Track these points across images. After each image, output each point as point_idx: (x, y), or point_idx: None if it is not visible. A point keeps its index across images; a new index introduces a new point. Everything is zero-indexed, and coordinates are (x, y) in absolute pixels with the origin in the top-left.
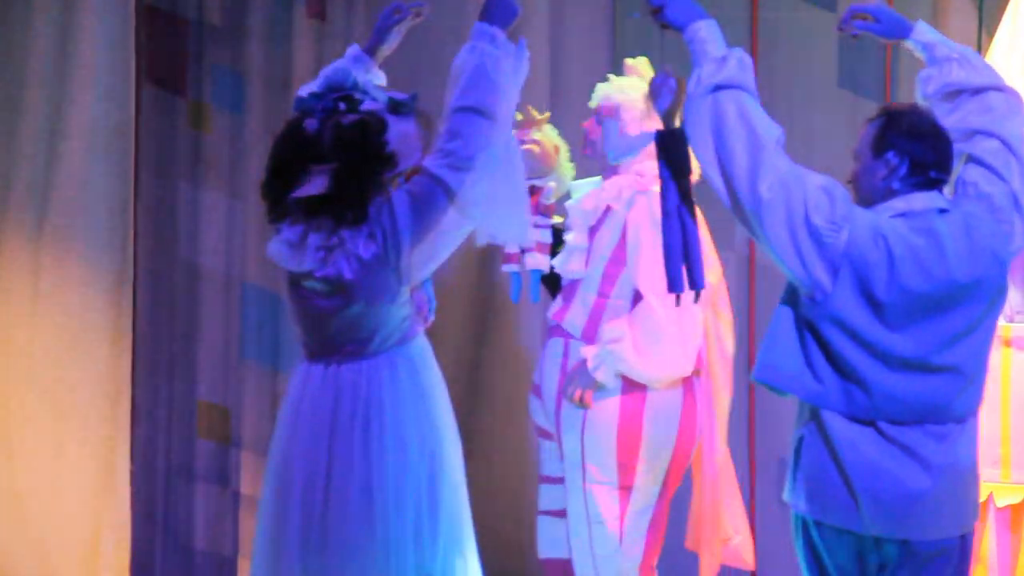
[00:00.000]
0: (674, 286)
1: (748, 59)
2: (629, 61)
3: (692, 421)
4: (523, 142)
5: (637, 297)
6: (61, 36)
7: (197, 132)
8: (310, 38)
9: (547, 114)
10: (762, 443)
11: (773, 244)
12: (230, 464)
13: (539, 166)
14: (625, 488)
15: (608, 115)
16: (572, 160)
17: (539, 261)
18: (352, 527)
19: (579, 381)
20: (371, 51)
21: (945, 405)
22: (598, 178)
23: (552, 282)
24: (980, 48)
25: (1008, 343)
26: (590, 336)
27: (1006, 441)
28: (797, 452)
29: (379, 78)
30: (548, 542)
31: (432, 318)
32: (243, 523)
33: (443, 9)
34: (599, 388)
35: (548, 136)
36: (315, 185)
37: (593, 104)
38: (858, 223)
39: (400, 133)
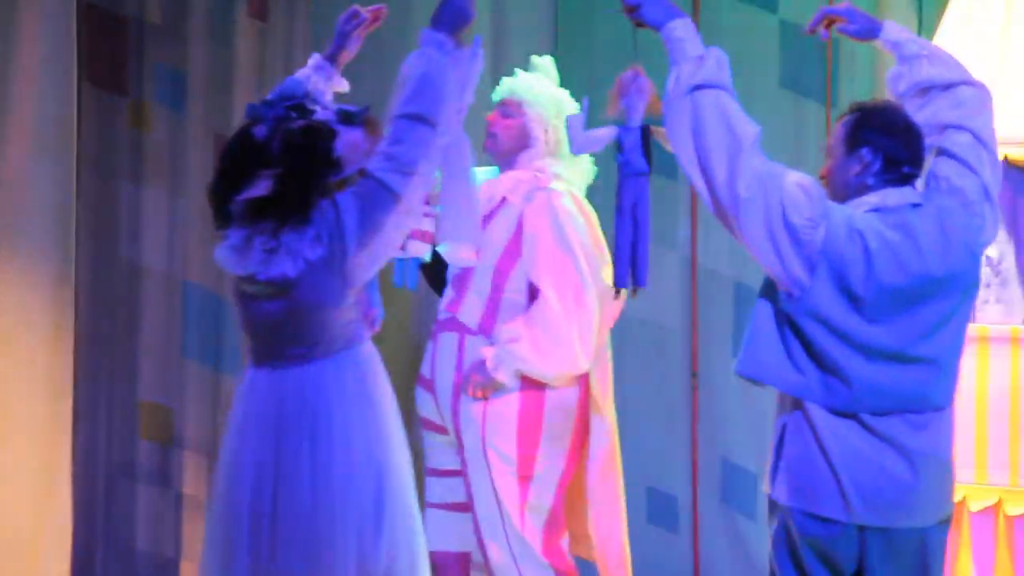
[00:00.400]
0: (620, 282)
1: (725, 58)
2: (535, 59)
3: (587, 414)
4: None
5: (532, 291)
6: (1, 35)
7: (138, 131)
8: (251, 38)
9: None
10: (705, 444)
11: (752, 242)
12: (172, 464)
13: None
14: (525, 478)
15: (513, 110)
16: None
17: (419, 248)
18: (299, 534)
19: (478, 381)
20: (332, 58)
21: (924, 395)
22: (494, 168)
23: (432, 272)
24: None
25: (985, 339)
26: (487, 330)
27: (982, 443)
28: (779, 443)
29: (342, 85)
30: (437, 535)
31: (379, 325)
32: (185, 524)
33: (405, 11)
34: (498, 388)
35: None
36: (259, 188)
37: (497, 98)
38: (834, 220)
39: (348, 141)
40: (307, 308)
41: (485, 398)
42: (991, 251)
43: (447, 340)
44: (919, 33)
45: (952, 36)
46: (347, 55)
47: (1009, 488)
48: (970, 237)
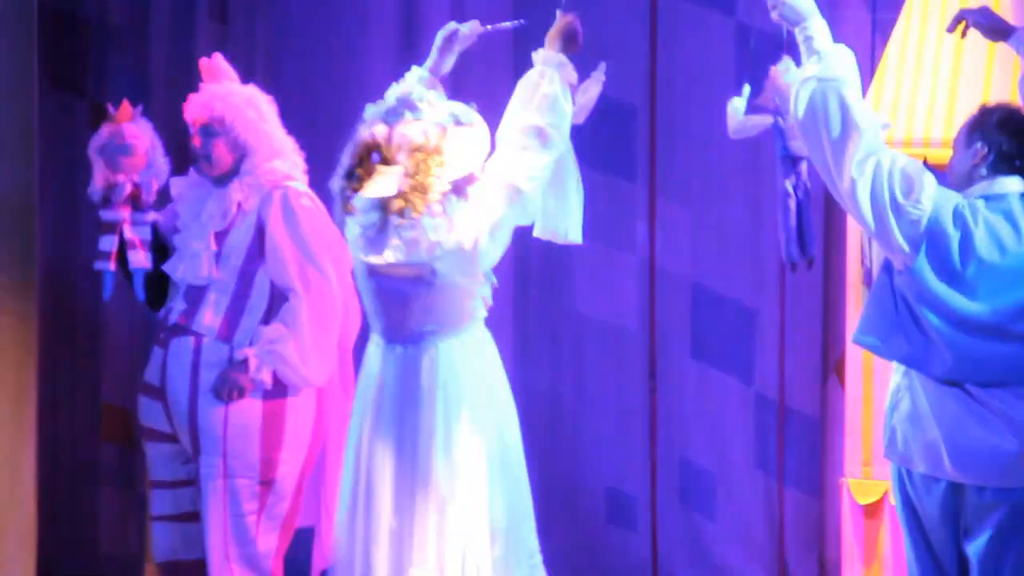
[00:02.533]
0: (791, 256)
1: (851, 54)
2: (206, 61)
3: (323, 421)
4: (121, 139)
5: (274, 293)
6: None
7: None
8: (212, 40)
9: (139, 108)
10: (663, 444)
11: (865, 220)
12: (135, 466)
13: (136, 162)
14: (266, 483)
15: (218, 128)
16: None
17: (141, 259)
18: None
19: (234, 381)
20: (431, 69)
21: None
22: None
23: (149, 283)
24: (873, 56)
25: None
26: (226, 335)
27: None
28: (891, 407)
29: (440, 93)
30: (168, 545)
31: (490, 302)
32: (148, 525)
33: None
34: (255, 388)
35: (144, 132)
36: (384, 186)
37: (195, 120)
38: (939, 202)
39: (460, 141)
40: (442, 287)
41: (241, 397)
42: None
43: (180, 346)
44: (872, 37)
45: (903, 42)
46: (446, 67)
47: None
48: None
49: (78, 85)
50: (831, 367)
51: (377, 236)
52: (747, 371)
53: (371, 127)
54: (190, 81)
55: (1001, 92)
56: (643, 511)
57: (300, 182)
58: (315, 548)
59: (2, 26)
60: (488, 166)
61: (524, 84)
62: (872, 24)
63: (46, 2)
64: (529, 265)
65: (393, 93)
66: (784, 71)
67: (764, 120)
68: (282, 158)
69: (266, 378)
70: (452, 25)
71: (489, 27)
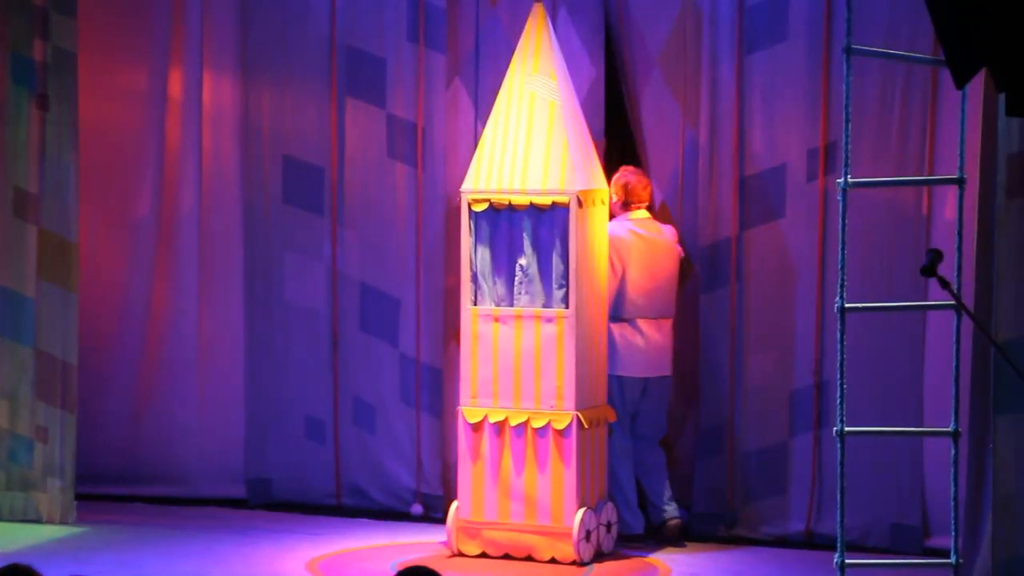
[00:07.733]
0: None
1: None
2: None
3: None
4: None
5: None
6: None
7: None
8: (37, 122)
9: None
10: (343, 387)
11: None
12: None
13: None
14: None
15: None
16: None
17: None
18: None
19: None
20: None
21: (668, 307)
22: None
23: None
24: (476, 132)
25: (520, 317)
26: None
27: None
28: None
29: None
30: None
31: None
32: None
33: None
34: None
35: None
36: None
37: None
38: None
39: None
40: None
41: None
42: (523, 260)
43: None
44: (475, 123)
45: (494, 129)
46: None
47: (534, 410)
48: None
49: None
50: (451, 336)
51: None
52: (395, 338)
53: None
54: (24, 150)
55: (556, 158)
56: (329, 430)
57: None
58: None
59: None
60: None
61: None
62: (475, 111)
63: None
64: (255, 270)
65: None
66: None
67: None
68: None
69: None
70: None
71: None
